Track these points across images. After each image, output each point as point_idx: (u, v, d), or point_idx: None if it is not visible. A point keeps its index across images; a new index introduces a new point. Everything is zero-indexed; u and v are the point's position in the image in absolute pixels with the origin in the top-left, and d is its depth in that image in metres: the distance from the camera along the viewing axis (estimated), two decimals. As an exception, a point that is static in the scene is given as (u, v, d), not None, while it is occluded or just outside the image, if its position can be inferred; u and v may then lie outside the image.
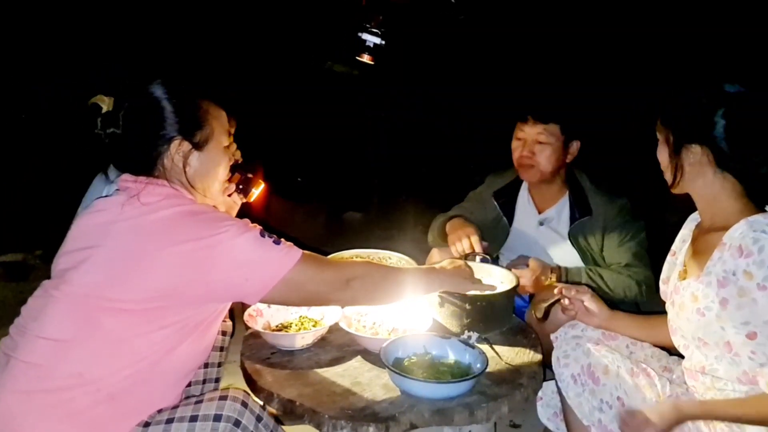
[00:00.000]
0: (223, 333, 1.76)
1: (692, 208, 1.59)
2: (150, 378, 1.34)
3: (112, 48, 4.36)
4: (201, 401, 1.34)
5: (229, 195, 1.66)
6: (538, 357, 1.73)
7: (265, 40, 5.08)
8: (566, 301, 1.76)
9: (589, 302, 1.73)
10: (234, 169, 1.62)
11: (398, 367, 1.54)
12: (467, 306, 1.71)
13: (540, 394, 1.79)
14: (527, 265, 2.13)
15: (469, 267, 1.81)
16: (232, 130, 1.57)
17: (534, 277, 2.10)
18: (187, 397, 1.46)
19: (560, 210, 2.38)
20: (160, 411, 1.36)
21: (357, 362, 1.68)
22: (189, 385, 1.58)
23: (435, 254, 2.42)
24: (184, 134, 1.43)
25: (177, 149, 1.43)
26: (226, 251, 1.31)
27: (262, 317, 1.83)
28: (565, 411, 1.65)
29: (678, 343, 1.56)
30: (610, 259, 2.25)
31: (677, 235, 1.69)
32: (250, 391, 1.54)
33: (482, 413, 1.46)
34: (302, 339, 1.72)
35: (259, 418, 1.35)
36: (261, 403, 1.49)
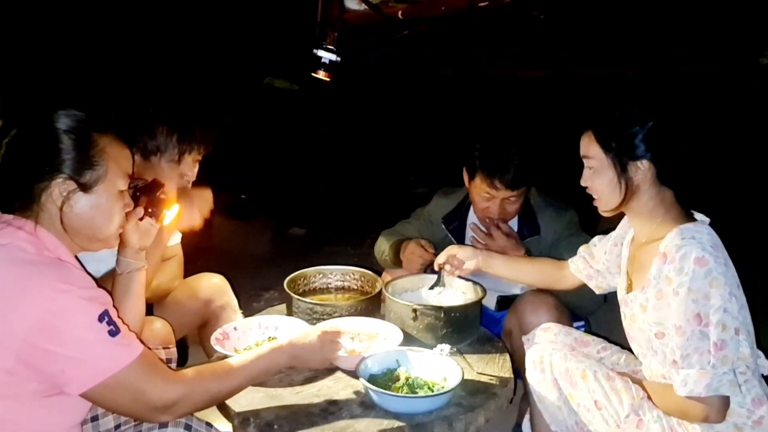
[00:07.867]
0: (168, 361, 1.68)
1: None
2: None
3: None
4: None
5: (141, 219, 1.51)
6: (508, 365, 1.76)
7: (207, 56, 4.98)
8: (447, 267, 1.93)
9: (461, 254, 1.91)
10: (138, 191, 1.50)
11: (375, 384, 1.53)
12: (443, 316, 1.73)
13: None
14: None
15: (329, 334, 1.58)
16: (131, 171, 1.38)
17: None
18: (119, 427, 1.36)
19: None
20: None
21: (331, 381, 1.66)
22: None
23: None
24: (69, 172, 1.26)
25: (59, 188, 1.25)
26: (49, 321, 1.12)
27: (230, 340, 1.77)
28: (534, 415, 1.68)
29: (636, 352, 1.63)
30: None
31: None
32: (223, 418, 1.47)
33: (461, 425, 1.48)
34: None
35: None
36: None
